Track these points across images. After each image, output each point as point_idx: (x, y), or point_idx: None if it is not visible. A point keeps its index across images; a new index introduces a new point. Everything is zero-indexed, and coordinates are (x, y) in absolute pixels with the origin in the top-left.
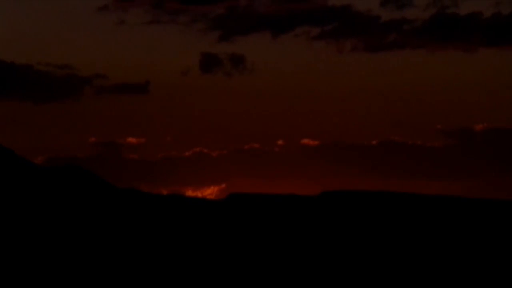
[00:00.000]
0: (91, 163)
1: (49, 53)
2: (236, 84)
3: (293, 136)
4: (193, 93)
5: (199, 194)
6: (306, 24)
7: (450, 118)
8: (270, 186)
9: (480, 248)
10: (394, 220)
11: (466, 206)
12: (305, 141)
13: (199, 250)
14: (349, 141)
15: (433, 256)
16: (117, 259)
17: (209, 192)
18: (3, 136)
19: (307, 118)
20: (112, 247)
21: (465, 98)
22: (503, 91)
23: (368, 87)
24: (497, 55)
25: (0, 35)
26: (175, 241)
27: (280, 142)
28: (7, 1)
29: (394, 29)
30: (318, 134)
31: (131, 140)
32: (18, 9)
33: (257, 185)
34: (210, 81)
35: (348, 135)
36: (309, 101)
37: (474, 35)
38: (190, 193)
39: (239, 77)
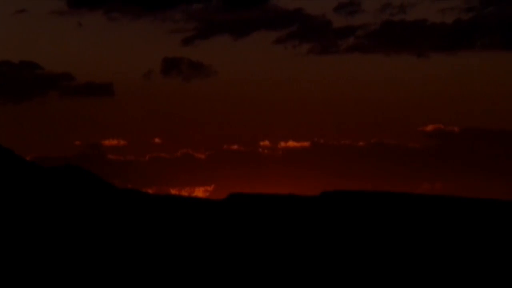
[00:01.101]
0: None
1: (12, 52)
2: (200, 87)
3: (276, 138)
4: (159, 96)
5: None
6: (263, 29)
7: (422, 119)
8: (259, 187)
9: (480, 247)
10: (394, 220)
11: (463, 206)
12: (290, 143)
13: (200, 250)
14: (336, 143)
15: (433, 256)
16: (118, 260)
17: (197, 193)
18: None
19: (284, 120)
20: (114, 248)
21: (433, 100)
22: (463, 94)
23: (332, 89)
24: (448, 60)
25: None
26: (176, 241)
27: (263, 143)
28: None
29: (349, 34)
30: (300, 136)
31: (113, 142)
32: None
33: (244, 185)
34: (173, 84)
35: (330, 137)
36: (278, 104)
37: (424, 41)
38: (176, 193)
39: (201, 80)
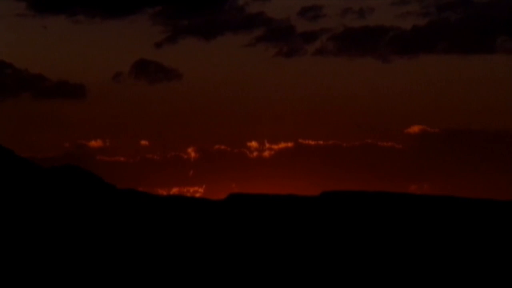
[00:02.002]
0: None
1: None
2: (169, 89)
3: (260, 139)
4: (132, 98)
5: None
6: (230, 32)
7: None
8: (248, 187)
9: (482, 246)
10: (393, 220)
11: (460, 206)
12: (276, 143)
13: (200, 250)
14: (322, 143)
15: (433, 255)
16: (118, 260)
17: (187, 194)
18: None
19: (263, 121)
20: (116, 248)
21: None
22: (429, 96)
23: (302, 91)
24: (410, 63)
25: None
26: (176, 241)
27: (250, 144)
28: None
29: (314, 38)
30: (283, 136)
31: (98, 143)
32: None
33: (233, 185)
34: (143, 86)
35: (312, 138)
36: (255, 105)
37: (385, 45)
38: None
39: (170, 83)
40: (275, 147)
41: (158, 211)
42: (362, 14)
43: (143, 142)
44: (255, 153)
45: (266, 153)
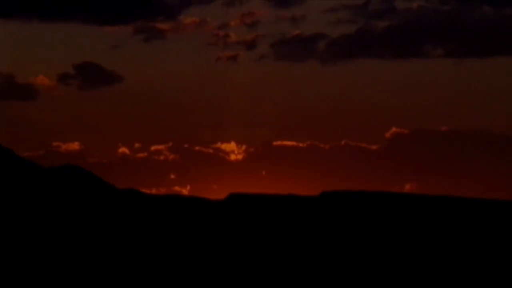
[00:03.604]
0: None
1: None
2: (118, 92)
3: (231, 141)
4: (80, 101)
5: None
6: (171, 36)
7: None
8: (229, 187)
9: (484, 247)
10: (393, 220)
11: (463, 206)
12: (255, 146)
13: (200, 250)
14: (298, 145)
15: (433, 256)
16: (117, 260)
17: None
18: None
19: (230, 124)
20: (115, 248)
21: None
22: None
23: (251, 94)
24: (346, 67)
25: None
26: (176, 241)
27: (222, 146)
28: None
29: (251, 44)
30: (252, 139)
31: (72, 145)
32: None
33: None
34: (91, 90)
35: (287, 138)
36: (215, 107)
37: (322, 51)
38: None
39: (117, 86)
40: (249, 149)
41: (157, 211)
42: (295, 21)
43: (116, 144)
44: (231, 155)
45: (242, 155)
